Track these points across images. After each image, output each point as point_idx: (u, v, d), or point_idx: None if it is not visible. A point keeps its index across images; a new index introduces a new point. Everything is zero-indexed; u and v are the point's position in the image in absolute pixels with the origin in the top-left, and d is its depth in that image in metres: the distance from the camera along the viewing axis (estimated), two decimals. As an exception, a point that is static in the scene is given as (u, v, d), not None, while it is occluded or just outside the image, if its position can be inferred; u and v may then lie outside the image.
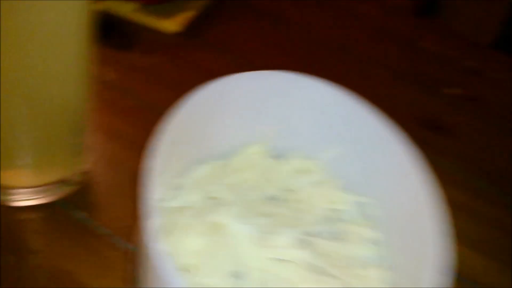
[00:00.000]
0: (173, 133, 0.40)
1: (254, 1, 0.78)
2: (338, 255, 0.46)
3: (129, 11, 0.73)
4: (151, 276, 0.35)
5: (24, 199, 0.48)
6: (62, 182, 0.49)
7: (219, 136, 0.49)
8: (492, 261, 0.56)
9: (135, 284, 0.42)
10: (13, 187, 0.47)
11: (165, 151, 0.40)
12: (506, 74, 0.77)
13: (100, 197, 0.52)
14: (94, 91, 0.60)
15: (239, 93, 0.47)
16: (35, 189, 0.47)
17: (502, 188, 0.63)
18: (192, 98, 0.43)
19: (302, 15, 0.78)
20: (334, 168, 0.52)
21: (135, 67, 0.65)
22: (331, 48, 0.75)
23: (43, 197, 0.49)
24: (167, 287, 0.32)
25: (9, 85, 0.40)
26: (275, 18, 0.77)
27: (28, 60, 0.40)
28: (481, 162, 0.66)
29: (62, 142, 0.46)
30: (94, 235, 0.49)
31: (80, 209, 0.50)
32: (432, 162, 0.61)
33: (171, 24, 0.74)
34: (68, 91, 0.44)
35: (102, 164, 0.54)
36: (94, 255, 0.47)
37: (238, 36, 0.73)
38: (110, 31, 0.67)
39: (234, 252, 0.43)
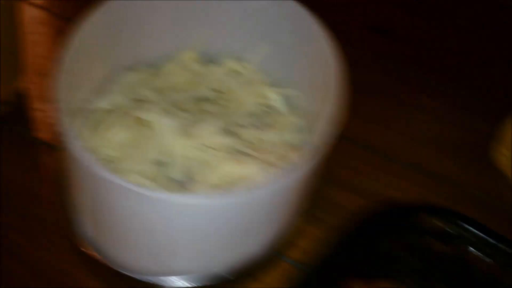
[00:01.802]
0: (88, 35, 0.43)
1: None
2: (263, 141, 0.49)
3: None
4: (76, 170, 0.39)
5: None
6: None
7: (149, 41, 0.52)
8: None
9: (64, 181, 0.46)
10: None
11: (78, 52, 0.43)
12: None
13: (35, 111, 0.56)
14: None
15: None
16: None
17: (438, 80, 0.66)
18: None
19: None
20: (263, 67, 0.55)
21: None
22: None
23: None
24: (89, 177, 0.35)
25: None
26: None
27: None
28: (419, 58, 0.68)
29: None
30: (32, 145, 0.53)
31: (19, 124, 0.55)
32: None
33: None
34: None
35: (35, 80, 0.58)
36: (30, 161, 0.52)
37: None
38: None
39: (159, 143, 0.46)
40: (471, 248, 0.39)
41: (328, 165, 0.46)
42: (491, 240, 0.38)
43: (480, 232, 0.39)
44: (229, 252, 0.39)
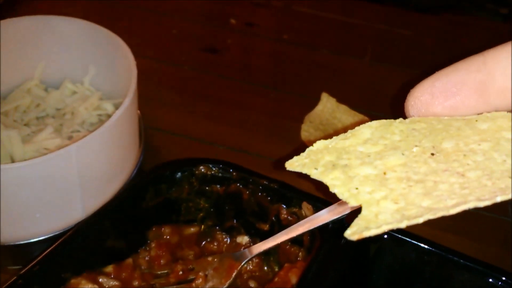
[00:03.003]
0: None
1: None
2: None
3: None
4: None
5: None
6: None
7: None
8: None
9: None
10: None
11: None
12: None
13: None
14: None
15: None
16: None
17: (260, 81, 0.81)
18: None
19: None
20: (94, 85, 0.68)
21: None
22: None
23: None
24: None
25: None
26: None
27: None
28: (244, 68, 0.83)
29: None
30: None
31: None
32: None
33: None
34: None
35: None
36: None
37: None
38: None
39: (6, 151, 0.58)
40: (240, 185, 0.52)
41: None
42: (250, 178, 0.52)
43: (245, 173, 0.52)
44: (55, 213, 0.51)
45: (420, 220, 0.23)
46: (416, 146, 0.27)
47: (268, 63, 0.85)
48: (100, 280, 0.45)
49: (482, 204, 0.23)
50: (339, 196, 0.26)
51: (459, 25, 0.95)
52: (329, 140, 0.29)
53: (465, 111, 0.28)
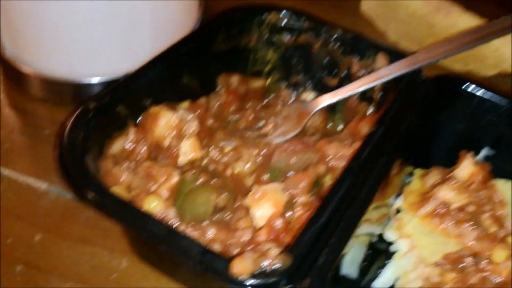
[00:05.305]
0: None
1: None
2: None
3: None
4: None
5: None
6: None
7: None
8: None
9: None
10: None
11: None
12: None
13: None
14: None
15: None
16: None
17: None
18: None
19: None
20: None
21: None
22: None
23: None
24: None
25: None
26: None
27: None
28: None
29: None
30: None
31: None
32: None
33: None
34: None
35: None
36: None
37: None
38: None
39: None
40: (311, 36, 0.50)
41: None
42: (323, 27, 0.50)
43: (317, 23, 0.50)
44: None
45: None
46: None
47: None
48: (179, 111, 0.44)
49: None
50: None
51: None
52: None
53: None
